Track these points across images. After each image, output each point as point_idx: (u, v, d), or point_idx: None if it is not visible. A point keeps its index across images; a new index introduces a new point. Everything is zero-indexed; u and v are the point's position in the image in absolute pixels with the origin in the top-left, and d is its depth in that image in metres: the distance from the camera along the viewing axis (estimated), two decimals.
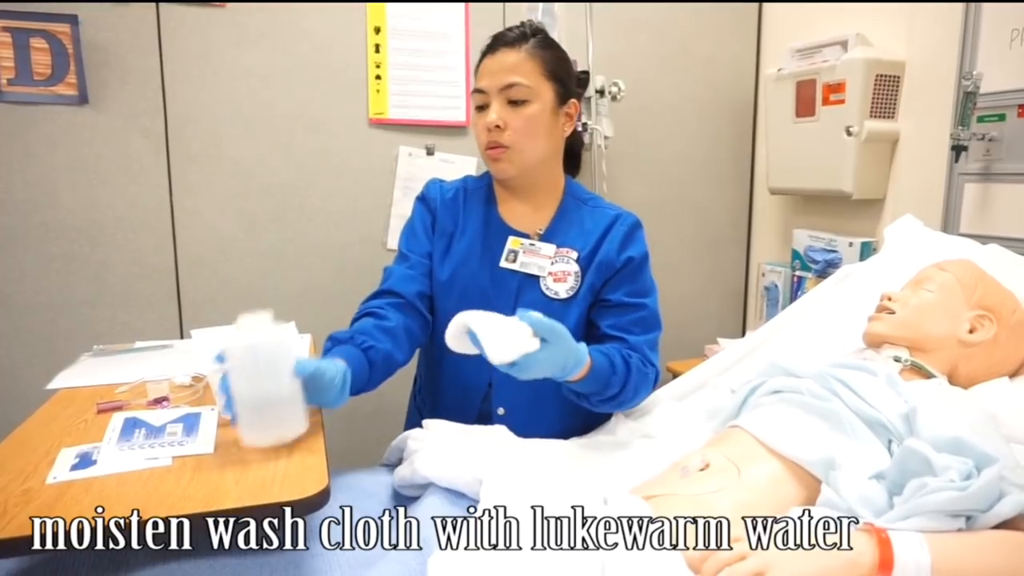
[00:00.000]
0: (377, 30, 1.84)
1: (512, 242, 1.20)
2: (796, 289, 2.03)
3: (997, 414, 0.91)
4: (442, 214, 1.24)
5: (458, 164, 1.93)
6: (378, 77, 1.85)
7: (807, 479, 0.89)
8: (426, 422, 1.11)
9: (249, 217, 1.79)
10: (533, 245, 1.20)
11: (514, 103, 1.15)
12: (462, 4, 1.88)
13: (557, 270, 1.18)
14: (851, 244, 1.85)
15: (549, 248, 1.19)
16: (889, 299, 1.13)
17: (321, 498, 0.76)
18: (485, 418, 1.20)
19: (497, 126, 1.14)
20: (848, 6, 1.89)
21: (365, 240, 1.89)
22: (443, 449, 0.97)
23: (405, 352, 1.14)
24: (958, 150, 1.53)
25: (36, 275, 1.65)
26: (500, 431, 1.05)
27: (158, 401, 1.02)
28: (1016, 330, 1.11)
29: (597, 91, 1.91)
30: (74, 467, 0.81)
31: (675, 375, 1.85)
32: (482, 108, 1.17)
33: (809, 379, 1.01)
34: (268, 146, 1.78)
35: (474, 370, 1.13)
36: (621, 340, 1.17)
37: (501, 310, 1.04)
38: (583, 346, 1.02)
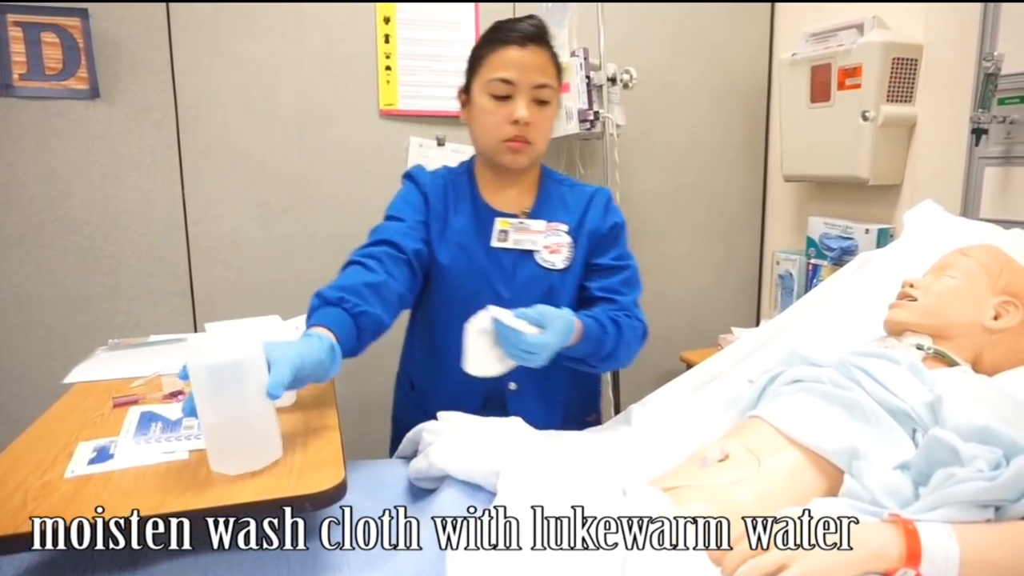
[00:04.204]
0: (387, 20, 1.83)
1: (500, 223, 1.25)
2: (811, 277, 2.01)
3: None
4: (433, 196, 1.27)
5: (468, 154, 1.90)
6: (388, 68, 1.84)
7: (829, 469, 0.88)
8: (441, 414, 1.10)
9: (261, 209, 1.79)
10: (523, 223, 1.25)
11: (539, 102, 1.19)
12: (471, 4, 1.87)
13: (551, 243, 1.23)
14: (867, 231, 1.83)
15: (539, 223, 1.25)
16: (911, 286, 1.11)
17: (338, 491, 0.75)
18: (495, 396, 1.24)
19: (526, 122, 1.18)
20: None
21: None
22: (459, 441, 0.96)
23: (393, 314, 1.14)
24: (978, 133, 1.51)
25: (51, 270, 1.66)
26: (516, 423, 1.04)
27: (174, 395, 1.02)
28: None
29: (609, 79, 1.88)
30: (92, 461, 0.81)
31: (689, 365, 1.84)
32: (503, 98, 1.18)
33: (830, 368, 0.99)
34: (279, 138, 1.78)
35: None
36: (610, 300, 1.24)
37: (499, 287, 1.22)
38: (569, 312, 1.09)
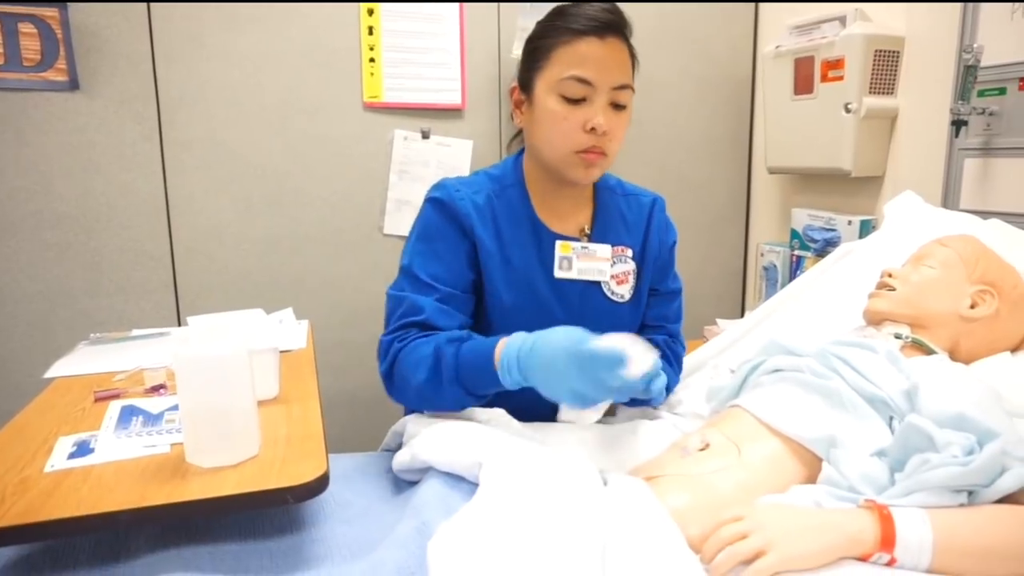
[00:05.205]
0: (370, 12, 1.81)
1: (561, 248, 1.09)
2: (795, 269, 2.03)
3: (999, 389, 0.91)
4: (480, 230, 1.05)
5: (454, 147, 1.91)
6: (372, 60, 1.83)
7: (808, 457, 0.89)
8: None
9: (244, 202, 1.77)
10: (586, 248, 1.10)
11: (616, 106, 1.03)
12: (456, 4, 1.86)
13: (618, 272, 1.11)
14: (850, 222, 1.84)
15: (604, 249, 1.11)
16: (890, 275, 1.12)
17: (320, 484, 0.75)
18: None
19: (604, 131, 1.01)
20: None
21: (361, 225, 1.88)
22: (442, 433, 0.97)
23: None
24: (958, 125, 1.52)
25: (31, 264, 1.64)
26: (499, 414, 1.04)
27: (156, 389, 1.01)
28: (1018, 305, 1.10)
29: None
30: (72, 455, 0.80)
31: None
32: (576, 101, 1.00)
33: (809, 357, 1.00)
34: (262, 131, 1.77)
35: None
36: (662, 328, 1.19)
37: (563, 322, 1.00)
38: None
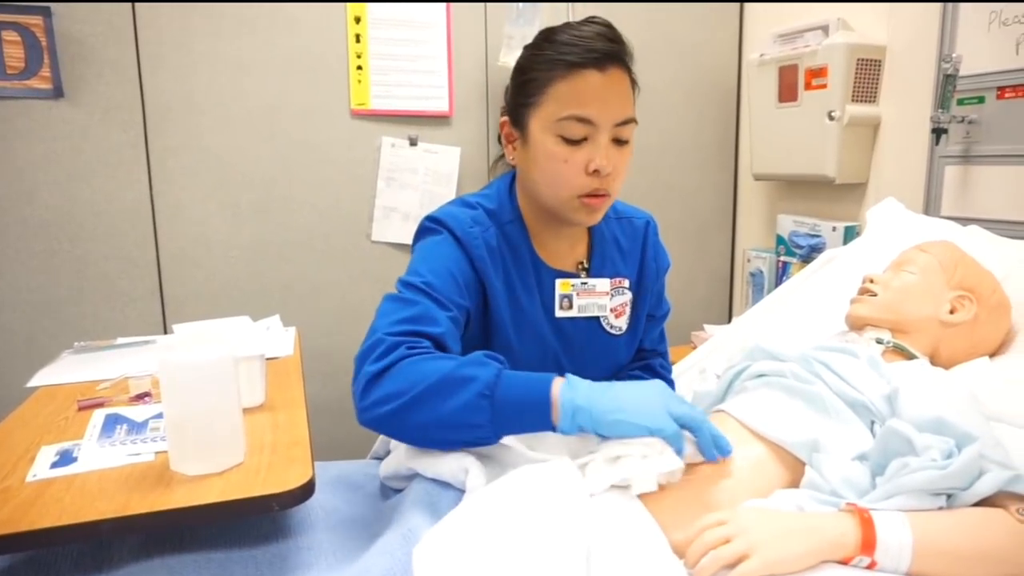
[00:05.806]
0: (357, 20, 1.82)
1: (561, 286, 1.04)
2: (781, 274, 2.04)
3: (977, 393, 0.92)
4: (491, 273, 0.99)
5: (442, 154, 1.92)
6: (359, 67, 1.84)
7: (791, 462, 0.90)
8: None
9: (231, 210, 1.77)
10: (585, 284, 1.05)
11: (618, 142, 0.95)
12: (443, 4, 1.87)
13: (616, 304, 1.07)
14: (835, 228, 1.86)
15: (603, 283, 1.07)
16: (871, 281, 1.14)
17: (305, 491, 0.75)
18: None
19: (608, 173, 0.93)
20: None
21: (349, 232, 1.88)
22: None
23: None
24: (938, 133, 1.54)
25: (16, 272, 1.63)
26: None
27: (140, 397, 1.01)
28: (996, 310, 1.12)
29: None
30: (54, 465, 0.80)
31: None
32: (576, 142, 0.93)
33: (793, 362, 1.01)
34: (249, 138, 1.77)
35: None
36: (655, 352, 1.19)
37: (563, 360, 1.05)
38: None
